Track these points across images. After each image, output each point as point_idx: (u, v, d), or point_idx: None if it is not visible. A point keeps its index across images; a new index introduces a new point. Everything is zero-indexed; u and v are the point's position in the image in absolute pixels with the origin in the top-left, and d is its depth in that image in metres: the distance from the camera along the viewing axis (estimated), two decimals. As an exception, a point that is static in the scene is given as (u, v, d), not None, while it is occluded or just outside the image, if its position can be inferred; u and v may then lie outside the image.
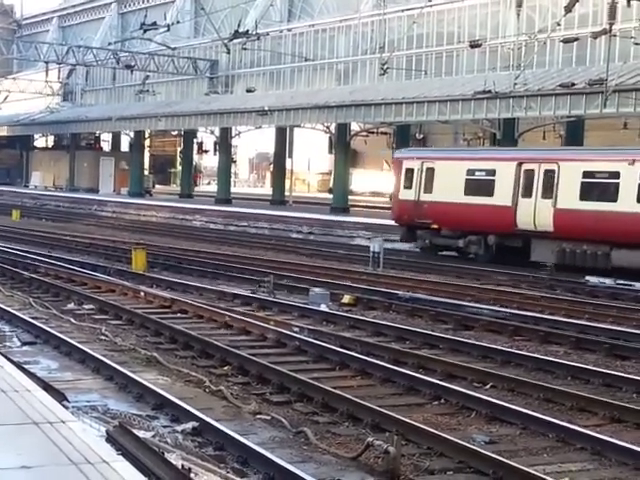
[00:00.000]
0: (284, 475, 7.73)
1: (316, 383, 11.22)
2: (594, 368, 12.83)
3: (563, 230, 26.08)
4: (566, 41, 36.69)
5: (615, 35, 33.80)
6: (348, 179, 55.04)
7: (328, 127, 53.21)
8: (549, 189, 26.86)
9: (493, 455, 8.33)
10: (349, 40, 52.37)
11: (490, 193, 28.38)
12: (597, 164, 26.08)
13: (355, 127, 54.88)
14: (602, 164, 25.95)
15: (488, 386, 11.89)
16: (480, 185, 28.81)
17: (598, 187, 25.75)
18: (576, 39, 36.21)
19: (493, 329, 16.41)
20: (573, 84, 36.04)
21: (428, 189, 30.50)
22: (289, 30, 56.83)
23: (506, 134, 42.47)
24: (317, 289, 19.52)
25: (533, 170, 27.40)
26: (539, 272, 24.96)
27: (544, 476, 7.74)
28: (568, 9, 33.32)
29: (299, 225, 42.00)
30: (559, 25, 36.72)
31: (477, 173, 29.14)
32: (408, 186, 31.23)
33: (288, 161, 59.50)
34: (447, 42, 47.16)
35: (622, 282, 23.23)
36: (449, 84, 43.83)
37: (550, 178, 26.87)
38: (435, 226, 30.11)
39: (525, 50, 41.00)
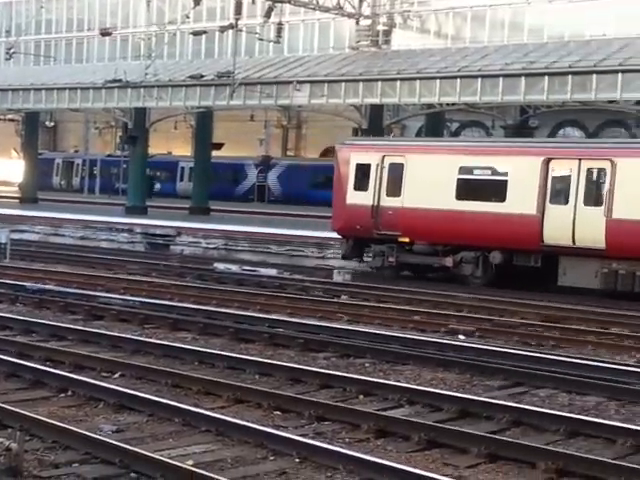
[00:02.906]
0: None
1: None
2: (219, 352, 13.23)
3: (620, 247, 20.52)
4: (195, 34, 37.51)
5: (241, 30, 34.98)
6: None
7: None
8: (597, 194, 21.19)
9: (118, 443, 8.37)
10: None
11: (499, 197, 22.20)
12: None
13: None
14: None
15: (117, 375, 11.90)
16: (482, 187, 22.58)
17: None
18: (205, 32, 37.06)
19: (124, 318, 16.42)
20: (202, 76, 36.86)
21: (394, 191, 23.85)
22: None
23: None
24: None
25: (570, 168, 21.55)
26: (170, 260, 25.28)
27: (167, 459, 7.91)
28: (197, 2, 34.04)
29: None
30: (188, 17, 37.36)
31: (477, 171, 22.81)
32: (361, 187, 24.31)
33: None
34: (77, 29, 46.39)
35: (247, 268, 24.15)
36: (80, 71, 43.19)
37: (599, 179, 21.25)
38: (404, 239, 23.68)
39: (156, 40, 41.33)
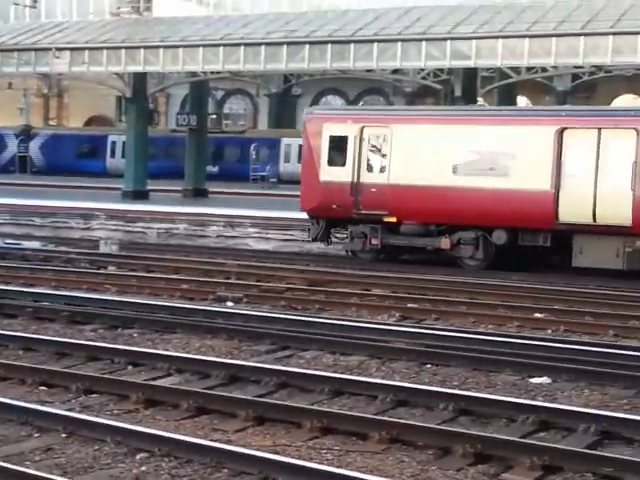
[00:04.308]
0: None
1: None
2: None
3: None
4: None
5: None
6: None
7: None
8: (623, 167, 19.27)
9: None
10: None
11: (505, 172, 20.18)
12: None
13: None
14: None
15: None
16: (485, 160, 20.39)
17: None
18: None
19: None
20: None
21: (378, 166, 21.57)
22: None
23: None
24: None
25: (589, 139, 19.61)
26: None
27: None
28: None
29: None
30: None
31: (479, 142, 20.59)
32: (336, 162, 21.87)
33: None
34: None
35: (10, 241, 23.40)
36: None
37: (626, 151, 19.28)
38: (391, 219, 21.36)
39: None
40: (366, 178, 21.53)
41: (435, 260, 21.49)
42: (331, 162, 21.90)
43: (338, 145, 21.82)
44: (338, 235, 22.75)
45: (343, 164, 21.72)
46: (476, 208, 20.28)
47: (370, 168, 21.58)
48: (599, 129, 19.55)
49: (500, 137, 20.43)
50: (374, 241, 21.46)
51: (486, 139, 20.53)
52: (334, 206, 21.64)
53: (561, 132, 19.75)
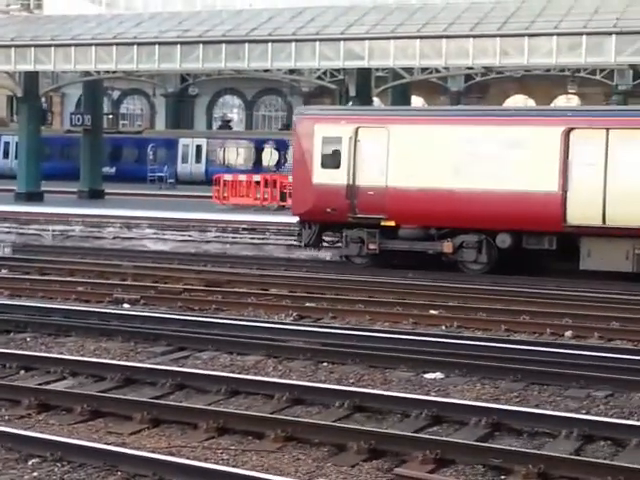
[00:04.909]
0: None
1: None
2: None
3: None
4: None
5: None
6: None
7: None
8: (633, 168, 18.95)
9: None
10: None
11: (511, 174, 19.75)
12: None
13: None
14: None
15: None
16: (488, 161, 19.95)
17: None
18: None
19: None
20: None
21: (375, 169, 20.80)
22: None
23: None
24: None
25: (597, 139, 19.29)
26: None
27: None
28: None
29: None
30: None
31: (482, 144, 20.13)
32: (331, 164, 21.08)
33: None
34: None
35: None
36: None
37: (635, 151, 19.01)
38: (389, 223, 20.71)
39: None
40: (362, 181, 20.85)
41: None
42: (324, 164, 21.16)
43: (331, 147, 21.20)
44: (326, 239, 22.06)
45: (337, 166, 20.99)
46: (480, 211, 19.82)
47: (366, 170, 20.86)
48: (607, 129, 19.28)
49: (504, 138, 20.01)
50: (372, 246, 20.70)
51: (490, 140, 20.12)
52: (328, 210, 20.89)
53: (568, 132, 19.46)
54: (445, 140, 20.38)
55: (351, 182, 20.88)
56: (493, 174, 19.87)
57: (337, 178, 20.91)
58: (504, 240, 19.88)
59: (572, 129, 19.48)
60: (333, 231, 21.80)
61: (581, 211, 19.17)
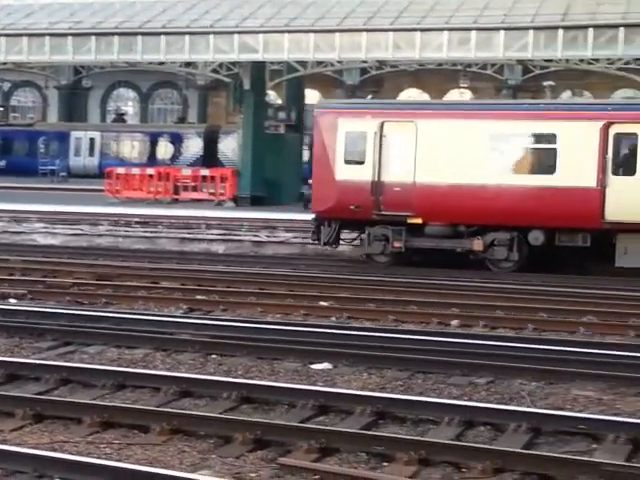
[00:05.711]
0: None
1: None
2: None
3: None
4: None
5: None
6: None
7: None
8: None
9: None
10: None
11: (546, 169, 19.32)
12: None
13: None
14: None
15: None
16: (524, 157, 19.71)
17: None
18: None
19: None
20: None
21: (402, 164, 20.09)
22: None
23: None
24: None
25: (637, 133, 18.96)
26: None
27: None
28: None
29: None
30: None
31: (516, 139, 19.70)
32: (355, 160, 20.42)
33: None
34: None
35: None
36: None
37: None
38: (416, 220, 19.96)
39: None
40: (388, 177, 20.17)
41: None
42: (348, 160, 20.48)
43: (355, 141, 20.47)
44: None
45: (362, 162, 20.32)
46: (513, 207, 19.31)
47: (393, 166, 20.22)
48: None
49: (539, 133, 19.65)
50: (397, 244, 19.99)
51: (524, 135, 19.73)
52: (352, 207, 20.16)
53: (607, 127, 18.99)
54: (476, 135, 19.86)
55: (376, 178, 20.22)
56: (527, 169, 19.67)
57: (361, 174, 20.25)
58: (537, 237, 19.37)
59: (611, 123, 19.06)
60: (352, 229, 21.31)
61: (621, 207, 18.77)
